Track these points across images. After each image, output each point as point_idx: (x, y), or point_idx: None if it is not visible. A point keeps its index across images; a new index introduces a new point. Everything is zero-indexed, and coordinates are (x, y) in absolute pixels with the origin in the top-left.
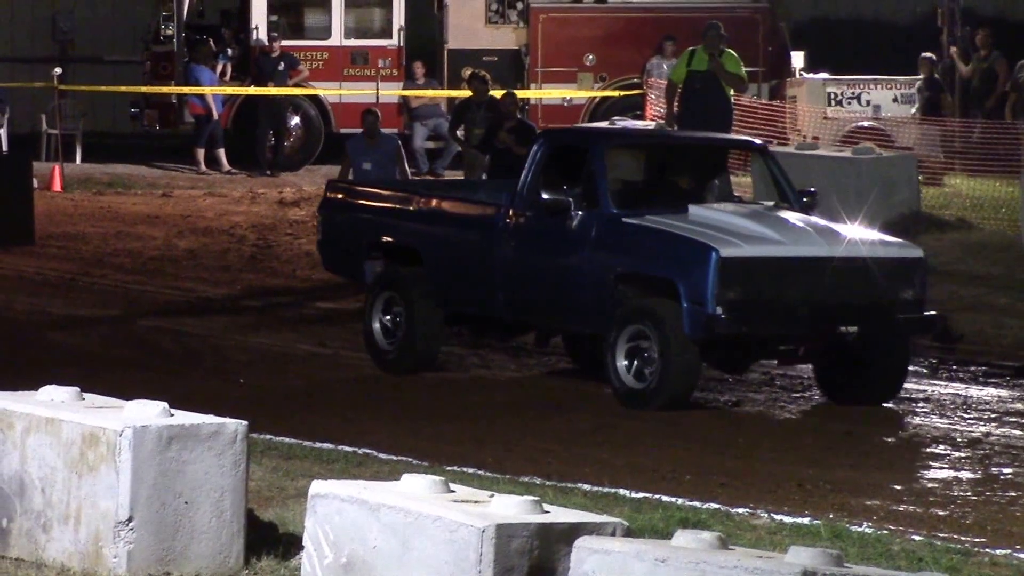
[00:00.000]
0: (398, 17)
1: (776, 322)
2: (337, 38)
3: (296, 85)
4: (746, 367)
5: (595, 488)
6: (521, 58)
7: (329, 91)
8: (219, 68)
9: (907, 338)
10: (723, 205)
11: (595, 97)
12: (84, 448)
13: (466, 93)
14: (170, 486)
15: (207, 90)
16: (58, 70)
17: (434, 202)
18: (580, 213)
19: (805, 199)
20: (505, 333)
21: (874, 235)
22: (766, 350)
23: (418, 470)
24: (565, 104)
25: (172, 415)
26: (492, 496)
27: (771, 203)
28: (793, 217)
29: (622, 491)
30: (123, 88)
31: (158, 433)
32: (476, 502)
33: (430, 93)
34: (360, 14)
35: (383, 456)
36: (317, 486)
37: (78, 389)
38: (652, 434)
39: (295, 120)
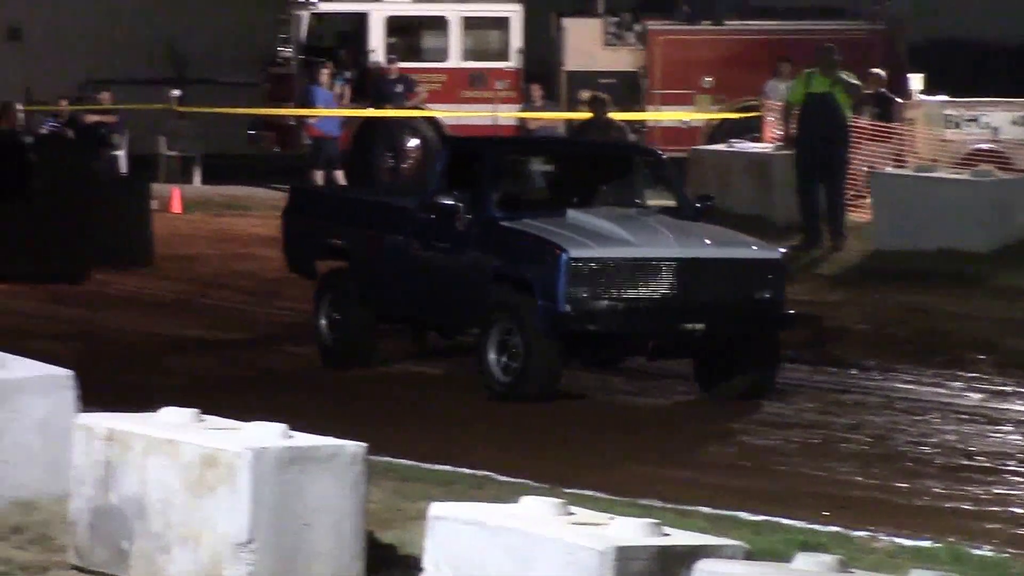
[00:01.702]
0: (516, 39)
1: (622, 319)
2: (455, 60)
3: (413, 107)
4: (614, 363)
5: (715, 511)
6: (639, 80)
7: (446, 113)
8: (337, 90)
9: (771, 335)
10: (601, 210)
11: (713, 119)
12: (203, 470)
13: (584, 115)
14: (289, 508)
15: (325, 112)
16: (176, 92)
17: (360, 206)
18: (468, 216)
19: (698, 204)
20: (441, 334)
21: (737, 238)
22: (617, 346)
23: (537, 492)
24: (683, 126)
25: (291, 437)
26: (612, 519)
27: (656, 208)
28: (661, 221)
29: (742, 514)
30: (241, 110)
31: (277, 455)
32: (596, 524)
33: (548, 115)
34: (478, 36)
35: (501, 478)
36: (436, 508)
37: (197, 410)
38: (771, 458)
39: (412, 142)
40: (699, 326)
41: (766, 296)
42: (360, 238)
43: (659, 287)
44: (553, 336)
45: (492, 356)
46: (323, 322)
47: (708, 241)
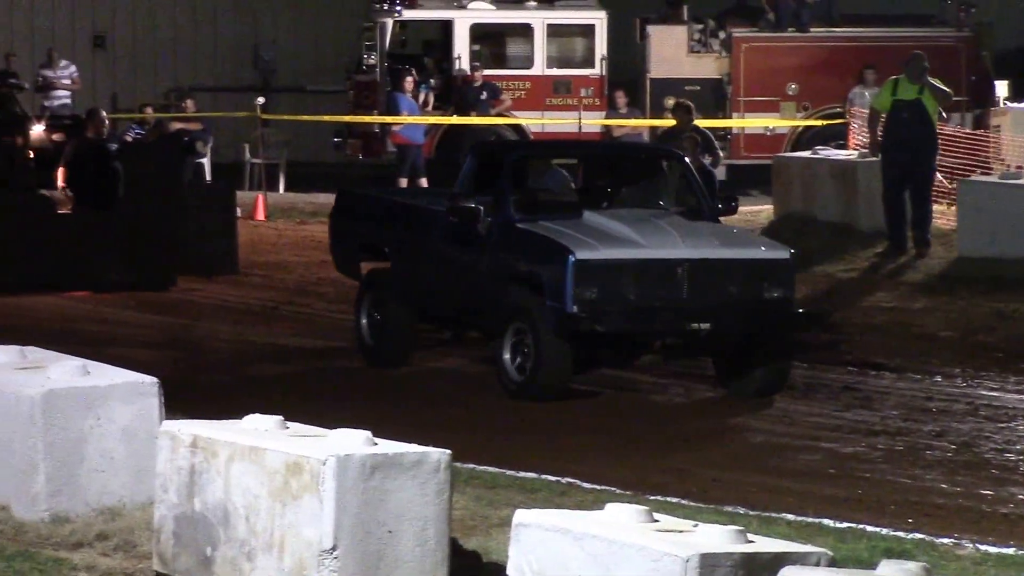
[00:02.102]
0: (600, 46)
1: (629, 319)
2: (539, 67)
3: (498, 114)
4: (629, 361)
5: (799, 518)
6: (723, 87)
7: (531, 120)
8: (421, 97)
9: (780, 334)
10: (619, 211)
11: (798, 126)
12: (288, 477)
13: (669, 122)
14: (373, 515)
15: (409, 119)
16: (261, 100)
17: (398, 208)
18: (488, 219)
19: (720, 206)
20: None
21: (747, 238)
22: (624, 346)
23: (621, 499)
24: (767, 133)
25: (375, 444)
26: (696, 526)
27: (676, 209)
28: (673, 222)
29: (826, 521)
30: (326, 118)
31: (361, 462)
32: (680, 532)
33: (632, 123)
34: (563, 43)
35: (586, 485)
36: (521, 515)
37: (281, 418)
38: (856, 465)
39: None
40: (705, 326)
41: (774, 295)
42: (398, 240)
43: (665, 287)
44: (562, 336)
45: (507, 356)
46: (364, 322)
47: (717, 241)
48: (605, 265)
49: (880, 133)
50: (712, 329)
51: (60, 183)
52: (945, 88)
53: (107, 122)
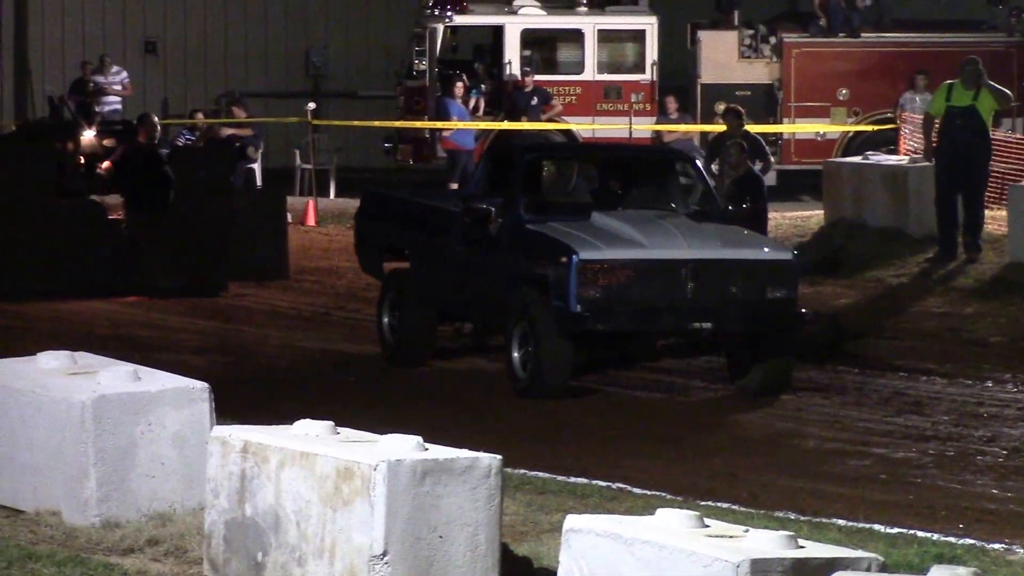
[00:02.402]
0: (651, 52)
1: (632, 319)
2: (590, 73)
3: (549, 120)
4: (631, 358)
5: (850, 523)
6: (774, 92)
7: (582, 126)
8: (472, 103)
9: (783, 333)
10: (627, 212)
11: (848, 131)
12: (339, 482)
13: (720, 127)
14: (424, 520)
15: (460, 124)
16: (312, 105)
17: (418, 208)
18: (500, 220)
19: (731, 208)
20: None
21: (751, 239)
22: (627, 344)
23: (672, 505)
24: (818, 139)
25: (426, 449)
26: (747, 531)
27: (685, 211)
28: (680, 224)
29: (877, 527)
30: (376, 123)
31: (412, 467)
32: (731, 537)
33: (683, 128)
34: (613, 49)
35: (637, 491)
36: (571, 521)
37: (332, 423)
38: (906, 470)
39: None
40: (707, 325)
41: (777, 296)
42: (416, 241)
43: (668, 287)
44: (566, 335)
45: (515, 353)
46: (385, 321)
47: (720, 242)
48: (608, 265)
49: (933, 138)
50: (714, 328)
51: (104, 171)
52: (1004, 90)
53: (159, 127)
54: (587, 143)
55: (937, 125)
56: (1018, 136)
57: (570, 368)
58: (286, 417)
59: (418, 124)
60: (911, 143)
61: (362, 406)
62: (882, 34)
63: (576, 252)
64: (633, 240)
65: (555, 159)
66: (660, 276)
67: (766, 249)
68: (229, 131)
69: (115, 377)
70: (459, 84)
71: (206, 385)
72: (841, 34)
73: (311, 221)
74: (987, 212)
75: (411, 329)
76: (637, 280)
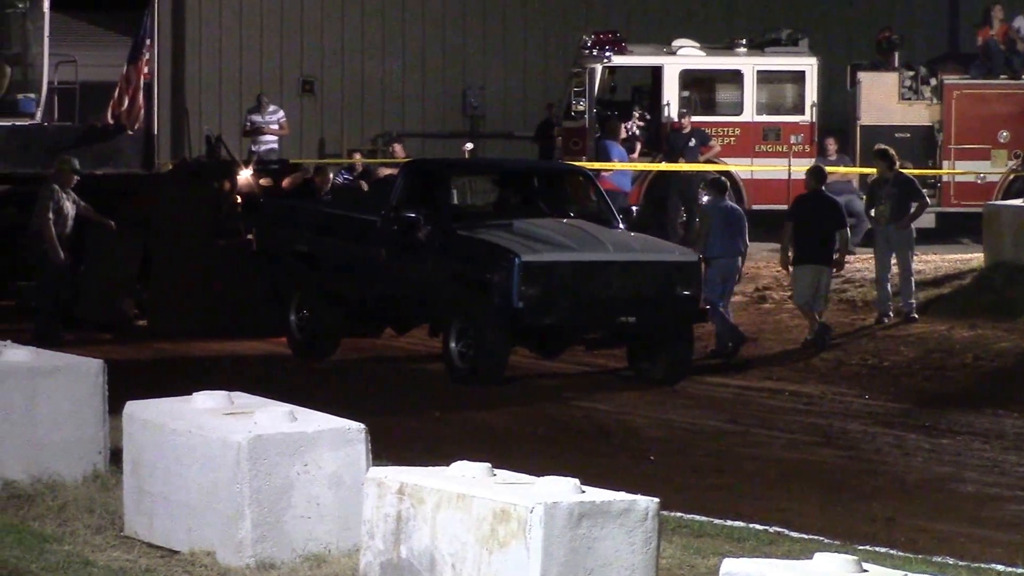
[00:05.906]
0: (810, 93)
1: (568, 314)
2: (749, 114)
3: (707, 161)
4: (557, 353)
5: (1009, 568)
6: (934, 134)
7: (741, 167)
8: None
9: (686, 327)
10: (543, 220)
11: (1009, 174)
12: (495, 524)
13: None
14: (580, 563)
15: (619, 165)
16: (469, 145)
17: (329, 217)
18: (428, 227)
19: (622, 216)
20: (383, 326)
21: (659, 244)
22: (562, 337)
23: (830, 549)
24: (979, 181)
25: (583, 492)
26: None
27: (586, 219)
28: (595, 229)
29: None
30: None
31: (569, 510)
32: None
33: (842, 170)
34: (772, 90)
35: (794, 535)
36: (728, 564)
37: (489, 465)
38: None
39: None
40: (632, 319)
41: (685, 293)
42: (328, 246)
43: (598, 286)
44: (510, 330)
45: (453, 346)
46: (292, 319)
47: (637, 246)
48: (547, 266)
49: None
50: (637, 322)
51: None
52: None
53: (331, 182)
54: (491, 160)
55: None
56: None
57: (506, 359)
58: (442, 458)
59: (576, 165)
60: None
61: (517, 447)
62: None
63: (518, 255)
64: (564, 244)
65: (472, 174)
66: (591, 276)
67: (676, 252)
68: (387, 171)
69: (271, 417)
70: (621, 126)
71: (362, 426)
72: (1002, 76)
73: None
74: None
75: (320, 326)
76: (572, 280)
